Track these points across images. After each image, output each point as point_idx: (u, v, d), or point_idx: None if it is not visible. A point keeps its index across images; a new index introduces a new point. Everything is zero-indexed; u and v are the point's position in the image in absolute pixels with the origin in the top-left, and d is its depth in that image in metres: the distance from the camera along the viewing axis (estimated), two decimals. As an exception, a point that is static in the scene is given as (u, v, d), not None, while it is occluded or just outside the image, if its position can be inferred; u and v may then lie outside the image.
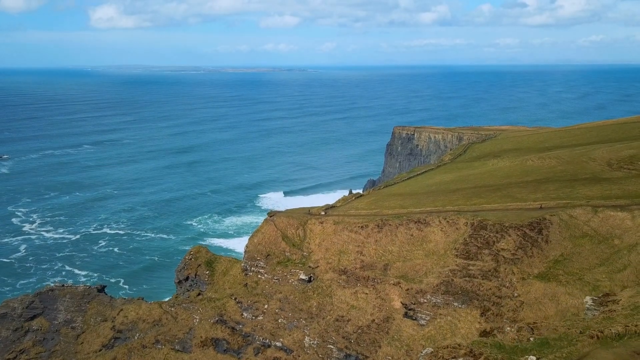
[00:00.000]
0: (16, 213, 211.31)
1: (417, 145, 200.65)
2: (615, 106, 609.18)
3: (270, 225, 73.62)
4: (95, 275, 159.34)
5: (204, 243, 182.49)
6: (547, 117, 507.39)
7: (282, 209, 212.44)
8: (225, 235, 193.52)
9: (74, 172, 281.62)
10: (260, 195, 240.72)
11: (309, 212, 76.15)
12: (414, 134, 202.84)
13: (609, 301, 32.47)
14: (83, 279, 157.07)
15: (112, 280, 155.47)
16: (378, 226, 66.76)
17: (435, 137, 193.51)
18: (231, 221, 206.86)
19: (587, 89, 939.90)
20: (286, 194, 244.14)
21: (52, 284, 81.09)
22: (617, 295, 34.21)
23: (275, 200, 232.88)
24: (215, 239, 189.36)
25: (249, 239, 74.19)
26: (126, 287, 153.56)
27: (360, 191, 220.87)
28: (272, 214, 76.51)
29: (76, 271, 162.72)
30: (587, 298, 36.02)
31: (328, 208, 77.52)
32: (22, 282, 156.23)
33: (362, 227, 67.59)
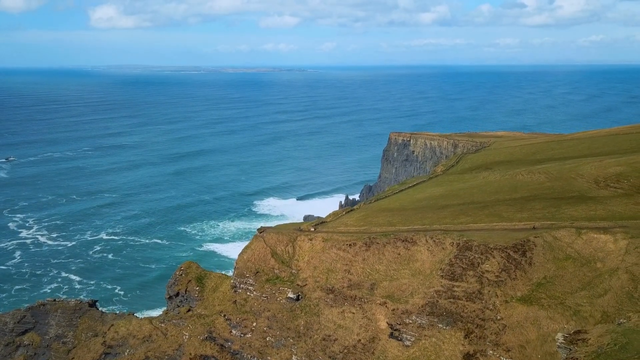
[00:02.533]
0: (13, 218, 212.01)
1: (413, 151, 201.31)
2: (623, 108, 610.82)
3: (259, 242, 74.18)
4: (92, 282, 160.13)
5: (200, 249, 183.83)
6: (557, 120, 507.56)
7: (284, 214, 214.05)
8: (221, 240, 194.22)
9: (73, 176, 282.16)
10: (261, 202, 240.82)
11: (299, 229, 76.58)
12: (409, 140, 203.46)
13: (579, 339, 33.04)
14: (78, 286, 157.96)
15: (109, 287, 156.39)
16: (366, 244, 67.30)
17: (431, 143, 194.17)
18: (229, 226, 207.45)
19: (593, 90, 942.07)
20: (286, 199, 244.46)
21: (45, 299, 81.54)
22: (588, 333, 34.77)
23: (275, 206, 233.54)
24: (211, 244, 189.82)
25: (239, 255, 74.75)
26: (121, 293, 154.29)
27: (357, 197, 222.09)
28: (262, 229, 77.06)
29: (71, 277, 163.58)
30: (559, 335, 36.56)
31: (318, 224, 78.01)
32: (17, 287, 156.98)
33: (350, 245, 68.12)
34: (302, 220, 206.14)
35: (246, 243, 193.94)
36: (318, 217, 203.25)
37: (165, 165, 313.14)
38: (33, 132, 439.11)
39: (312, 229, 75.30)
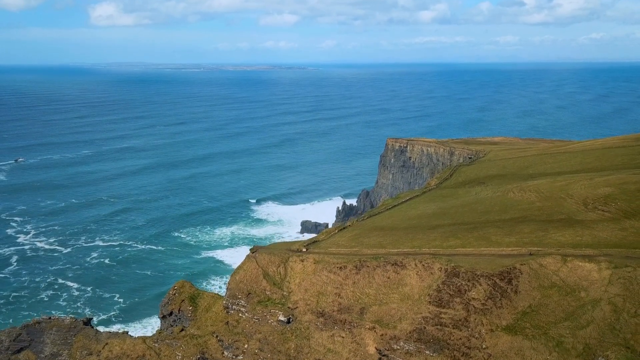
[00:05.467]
0: (11, 223, 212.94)
1: (410, 157, 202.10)
2: (634, 109, 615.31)
3: (252, 262, 75.02)
4: (89, 289, 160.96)
5: (198, 256, 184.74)
6: (568, 122, 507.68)
7: (282, 220, 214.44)
8: (219, 246, 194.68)
9: (73, 180, 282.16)
10: (260, 207, 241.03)
11: (294, 249, 77.30)
12: (406, 147, 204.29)
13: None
14: (76, 293, 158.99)
15: (106, 296, 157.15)
16: (356, 267, 68.16)
17: (427, 150, 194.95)
18: (226, 232, 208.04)
19: (600, 89, 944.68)
20: (285, 204, 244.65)
21: (40, 316, 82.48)
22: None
23: (273, 211, 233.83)
24: (209, 251, 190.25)
25: (231, 276, 75.57)
26: (120, 301, 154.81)
27: (355, 202, 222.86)
28: (254, 249, 77.87)
29: (69, 284, 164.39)
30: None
31: (310, 243, 78.86)
32: (15, 294, 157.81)
33: (341, 267, 68.97)
34: (299, 225, 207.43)
35: (244, 248, 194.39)
36: (315, 222, 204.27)
37: (167, 170, 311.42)
38: (34, 134, 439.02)
39: (304, 249, 76.15)
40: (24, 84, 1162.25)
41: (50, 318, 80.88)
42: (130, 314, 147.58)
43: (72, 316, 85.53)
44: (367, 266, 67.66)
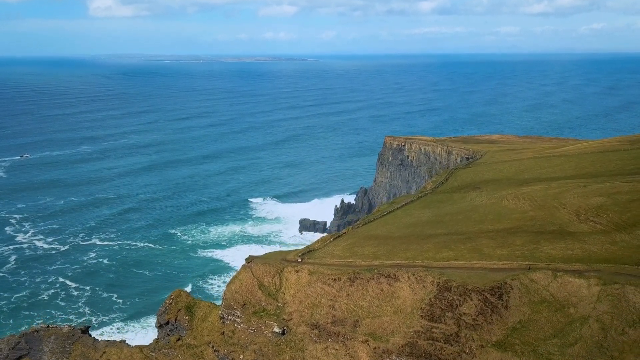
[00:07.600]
0: (10, 220, 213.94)
1: (408, 156, 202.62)
2: None
3: (247, 273, 75.79)
4: (87, 288, 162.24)
5: (197, 256, 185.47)
6: (577, 115, 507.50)
7: (279, 217, 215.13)
8: (218, 246, 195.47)
9: (72, 178, 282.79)
10: (258, 205, 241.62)
11: (292, 259, 77.98)
12: (404, 145, 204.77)
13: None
14: (75, 293, 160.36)
15: (105, 295, 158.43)
16: (350, 279, 68.92)
17: (425, 149, 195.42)
18: (225, 231, 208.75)
19: (607, 81, 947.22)
20: (284, 202, 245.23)
21: (38, 324, 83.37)
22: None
23: (272, 209, 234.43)
24: (208, 250, 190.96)
25: (227, 286, 76.38)
26: (120, 301, 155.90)
27: (353, 200, 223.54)
28: (249, 259, 78.63)
29: (68, 283, 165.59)
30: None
31: (305, 252, 79.60)
32: (15, 294, 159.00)
33: (335, 279, 69.73)
34: (297, 224, 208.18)
35: (243, 247, 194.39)
36: (313, 221, 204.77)
37: (167, 168, 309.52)
38: (36, 129, 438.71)
39: (299, 259, 76.90)
40: (25, 77, 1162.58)
41: (48, 326, 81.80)
42: (129, 313, 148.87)
43: (70, 325, 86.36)
44: (361, 278, 68.40)
